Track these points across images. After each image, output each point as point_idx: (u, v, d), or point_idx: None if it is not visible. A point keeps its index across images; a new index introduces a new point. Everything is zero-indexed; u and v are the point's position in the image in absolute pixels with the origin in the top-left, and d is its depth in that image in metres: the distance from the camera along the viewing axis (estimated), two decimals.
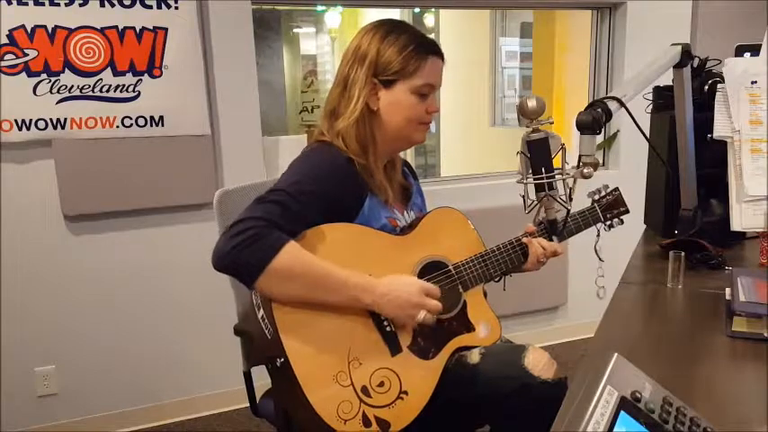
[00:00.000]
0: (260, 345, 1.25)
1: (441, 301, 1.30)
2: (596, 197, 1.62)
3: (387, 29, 1.37)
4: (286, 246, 1.17)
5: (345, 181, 1.32)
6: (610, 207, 1.62)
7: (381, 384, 1.23)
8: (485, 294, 1.47)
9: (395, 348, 1.27)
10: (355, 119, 1.34)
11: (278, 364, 1.19)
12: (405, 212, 1.47)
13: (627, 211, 1.64)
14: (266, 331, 1.21)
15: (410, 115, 1.37)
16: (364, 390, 1.21)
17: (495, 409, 1.31)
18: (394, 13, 4.77)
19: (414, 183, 1.57)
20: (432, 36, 5.42)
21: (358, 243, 1.31)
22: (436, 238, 1.40)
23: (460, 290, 1.40)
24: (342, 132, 1.35)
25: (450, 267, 1.39)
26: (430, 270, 1.37)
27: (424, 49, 1.36)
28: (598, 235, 1.61)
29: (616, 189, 1.64)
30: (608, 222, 1.62)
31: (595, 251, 1.61)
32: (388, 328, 1.28)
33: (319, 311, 1.22)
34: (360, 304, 1.24)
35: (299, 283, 1.19)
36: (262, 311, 1.23)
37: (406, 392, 1.25)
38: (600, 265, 1.66)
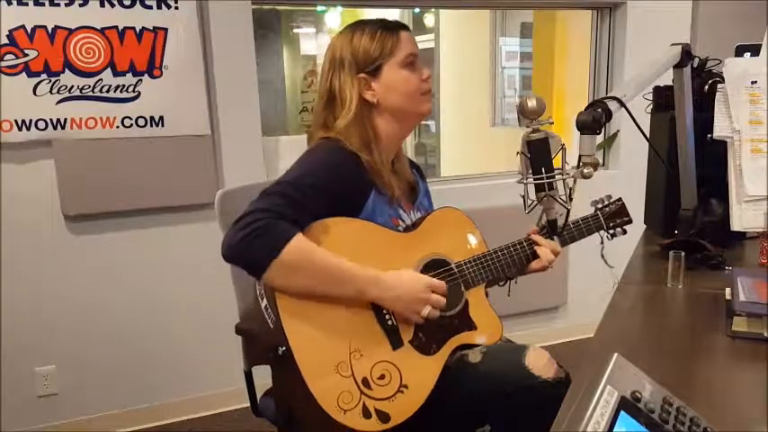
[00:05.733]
0: (262, 335, 1.26)
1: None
2: (599, 206, 1.61)
3: (350, 30, 1.40)
4: (294, 238, 1.18)
5: (349, 175, 1.33)
6: (612, 216, 1.61)
7: (382, 377, 1.24)
8: (486, 295, 1.47)
9: (396, 342, 1.28)
10: (353, 115, 1.36)
11: (280, 353, 1.20)
12: (411, 212, 1.47)
13: (630, 221, 1.63)
14: (269, 320, 1.23)
15: (409, 89, 1.39)
16: (365, 381, 1.23)
17: (495, 408, 1.31)
18: (394, 13, 4.76)
19: (422, 183, 1.58)
20: (431, 36, 5.45)
21: (362, 238, 1.32)
22: (439, 236, 1.41)
23: (462, 288, 1.40)
24: (342, 132, 1.36)
25: (453, 266, 1.40)
26: (432, 268, 1.37)
27: (392, 27, 1.40)
28: (602, 242, 1.61)
29: (619, 199, 1.63)
30: (610, 231, 1.61)
31: (602, 257, 1.61)
32: (389, 322, 1.29)
33: (322, 302, 1.23)
34: (365, 297, 1.25)
35: (307, 275, 1.21)
36: (265, 301, 1.25)
37: (406, 386, 1.26)
38: (610, 271, 1.64)
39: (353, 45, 1.37)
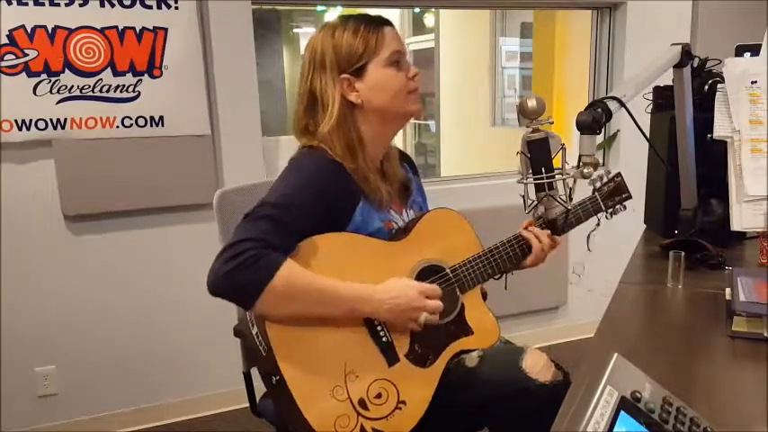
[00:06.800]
0: (256, 360, 1.23)
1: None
2: (597, 185, 1.58)
3: (331, 27, 1.32)
4: (282, 266, 1.14)
5: (336, 188, 1.28)
6: (611, 194, 1.57)
7: (379, 396, 1.22)
8: (484, 296, 1.46)
9: (392, 358, 1.26)
10: (336, 120, 1.30)
11: (273, 382, 1.18)
12: (404, 211, 1.43)
13: (629, 197, 1.60)
14: (261, 348, 1.20)
15: (395, 88, 1.32)
16: (361, 402, 1.20)
17: (493, 411, 1.31)
18: (394, 13, 4.77)
19: (414, 179, 1.53)
20: (431, 36, 5.45)
21: (352, 252, 1.28)
22: (432, 240, 1.37)
23: (458, 293, 1.37)
24: (325, 139, 1.31)
25: (447, 271, 1.37)
26: (426, 275, 1.34)
27: (375, 23, 1.32)
28: (598, 224, 1.58)
29: (618, 175, 1.60)
30: (609, 210, 1.58)
31: (587, 238, 1.59)
32: (384, 339, 1.26)
33: (313, 326, 1.20)
34: (360, 315, 1.23)
35: (297, 302, 1.18)
36: (255, 328, 1.21)
37: (403, 402, 1.24)
38: (586, 252, 1.63)
39: (335, 43, 1.29)
